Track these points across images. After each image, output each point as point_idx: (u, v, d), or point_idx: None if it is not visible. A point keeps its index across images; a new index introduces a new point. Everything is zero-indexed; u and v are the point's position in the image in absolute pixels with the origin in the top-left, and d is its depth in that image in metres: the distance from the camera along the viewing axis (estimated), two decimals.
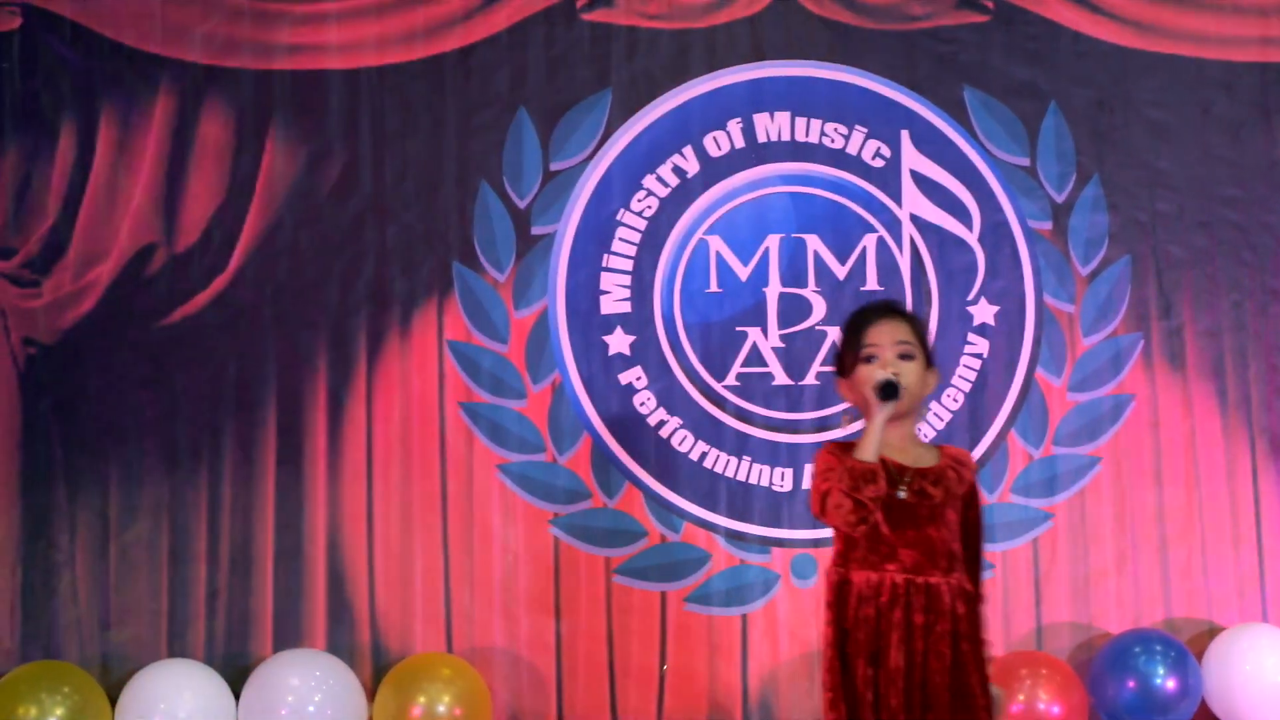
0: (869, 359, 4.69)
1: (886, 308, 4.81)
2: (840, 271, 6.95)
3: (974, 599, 4.71)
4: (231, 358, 6.85)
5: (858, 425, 4.72)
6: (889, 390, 4.56)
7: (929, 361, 4.77)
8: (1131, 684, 6.60)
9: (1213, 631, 6.83)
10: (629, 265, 6.94)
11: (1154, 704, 6.58)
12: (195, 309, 6.86)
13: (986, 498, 6.77)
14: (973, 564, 4.78)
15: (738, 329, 6.93)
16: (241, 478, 6.80)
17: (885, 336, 4.71)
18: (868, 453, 4.56)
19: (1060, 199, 7.01)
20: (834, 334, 6.88)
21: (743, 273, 6.95)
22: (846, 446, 4.68)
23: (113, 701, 6.55)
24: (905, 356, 4.70)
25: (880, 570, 4.65)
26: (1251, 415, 6.96)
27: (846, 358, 4.75)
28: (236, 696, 6.59)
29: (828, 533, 6.67)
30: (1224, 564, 6.90)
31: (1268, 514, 6.92)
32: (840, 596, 4.68)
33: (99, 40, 6.88)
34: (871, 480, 4.55)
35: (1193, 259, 7.02)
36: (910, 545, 4.65)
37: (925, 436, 6.77)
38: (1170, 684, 6.59)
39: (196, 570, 6.76)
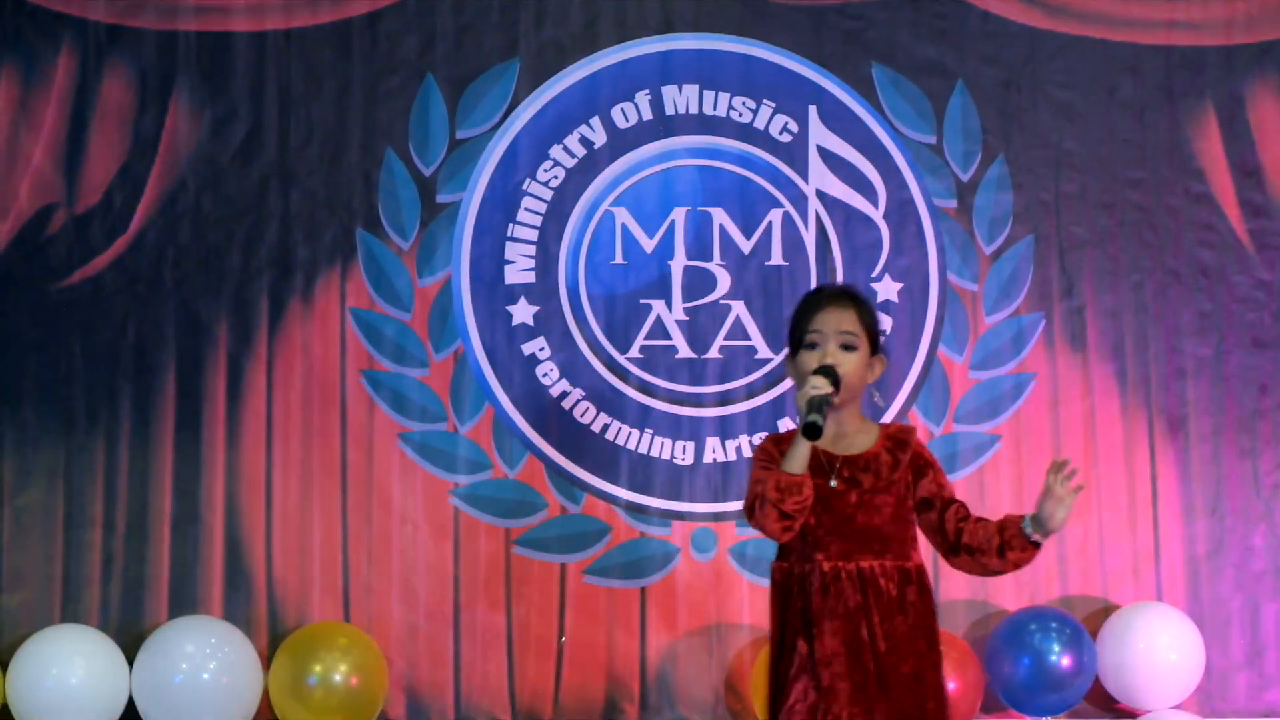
0: (811, 345, 4.69)
1: (838, 294, 4.78)
2: (745, 246, 6.95)
3: (912, 577, 4.69)
4: (130, 321, 6.79)
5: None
6: (812, 431, 4.51)
7: (875, 349, 4.77)
8: (1027, 661, 6.63)
9: (1108, 609, 6.88)
10: (534, 235, 6.92)
11: (1049, 681, 6.62)
12: (94, 271, 6.79)
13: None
14: (955, 508, 4.72)
15: (642, 301, 6.92)
16: (138, 443, 6.74)
17: (830, 324, 4.70)
18: (794, 465, 4.56)
19: (966, 178, 7.03)
20: (738, 308, 6.90)
21: (648, 245, 6.94)
22: (780, 439, 4.72)
23: (4, 667, 6.49)
24: (847, 347, 4.69)
25: (812, 560, 4.66)
26: (1150, 396, 7.00)
27: (792, 337, 4.76)
28: (131, 663, 6.54)
29: (728, 506, 6.78)
30: (1120, 543, 6.95)
31: (1164, 494, 6.97)
32: (782, 589, 4.71)
33: None
34: (795, 492, 4.55)
35: (1096, 239, 7.06)
36: (840, 533, 4.66)
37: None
38: (1065, 661, 6.63)
39: (92, 535, 6.70)
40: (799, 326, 4.73)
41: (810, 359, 4.66)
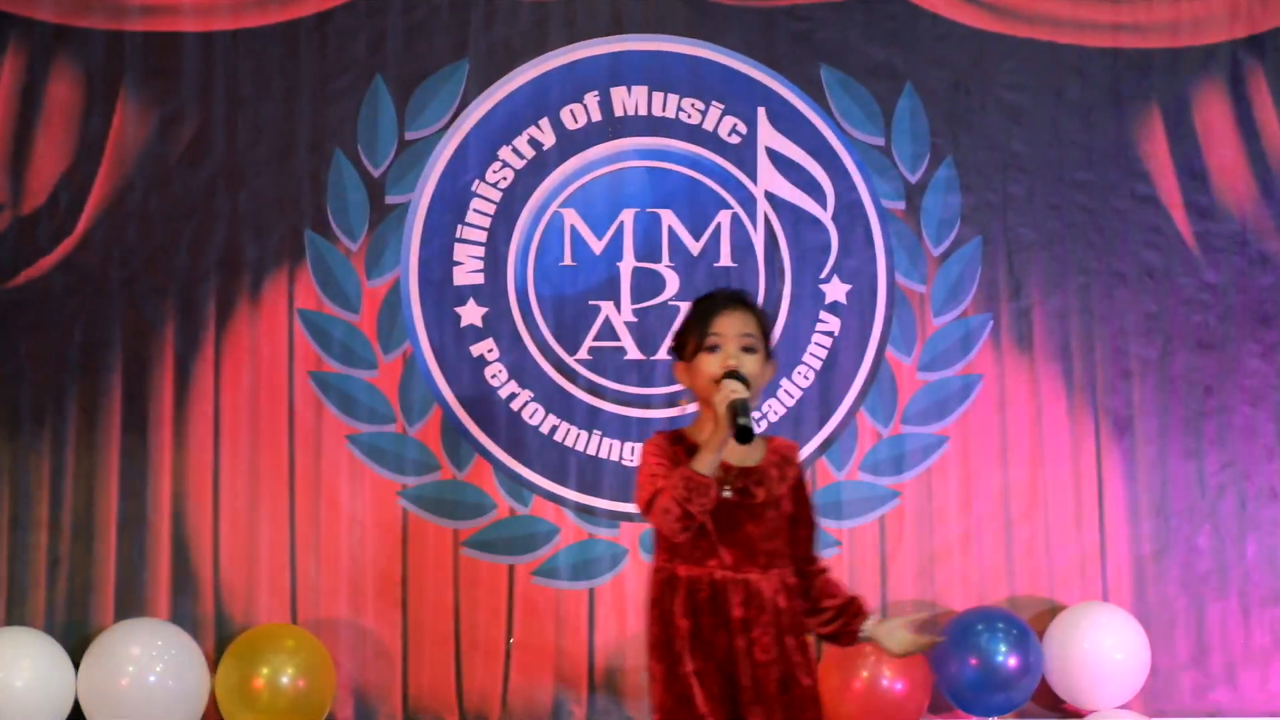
0: (712, 348, 4.70)
1: (734, 298, 4.81)
2: (694, 247, 6.96)
3: (795, 592, 4.73)
4: (77, 322, 6.76)
5: (694, 407, 4.73)
6: (745, 435, 4.52)
7: (768, 354, 4.79)
8: (974, 661, 6.65)
9: (1054, 610, 6.91)
10: (483, 237, 6.91)
11: (995, 681, 6.64)
12: (40, 272, 6.76)
13: (835, 476, 6.86)
14: (806, 548, 4.81)
15: (591, 303, 6.92)
16: (85, 444, 6.71)
17: (731, 327, 4.71)
18: (705, 466, 4.57)
19: (914, 179, 7.05)
20: (687, 310, 6.87)
21: (597, 246, 6.94)
22: (675, 437, 4.73)
23: None
24: (747, 349, 4.71)
25: (703, 566, 4.67)
26: (1096, 397, 7.03)
27: (690, 342, 4.75)
28: (77, 666, 6.51)
29: None
30: (1066, 543, 6.98)
31: (1110, 495, 7.00)
32: (667, 591, 4.71)
33: None
34: (704, 494, 4.56)
35: (1043, 241, 7.09)
36: (731, 543, 4.67)
37: (776, 414, 6.85)
38: (1012, 661, 6.65)
39: (37, 537, 6.67)
40: (697, 330, 4.73)
41: (712, 362, 4.67)
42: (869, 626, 4.79)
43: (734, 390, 4.55)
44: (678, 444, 4.70)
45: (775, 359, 4.84)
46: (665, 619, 4.68)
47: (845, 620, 4.80)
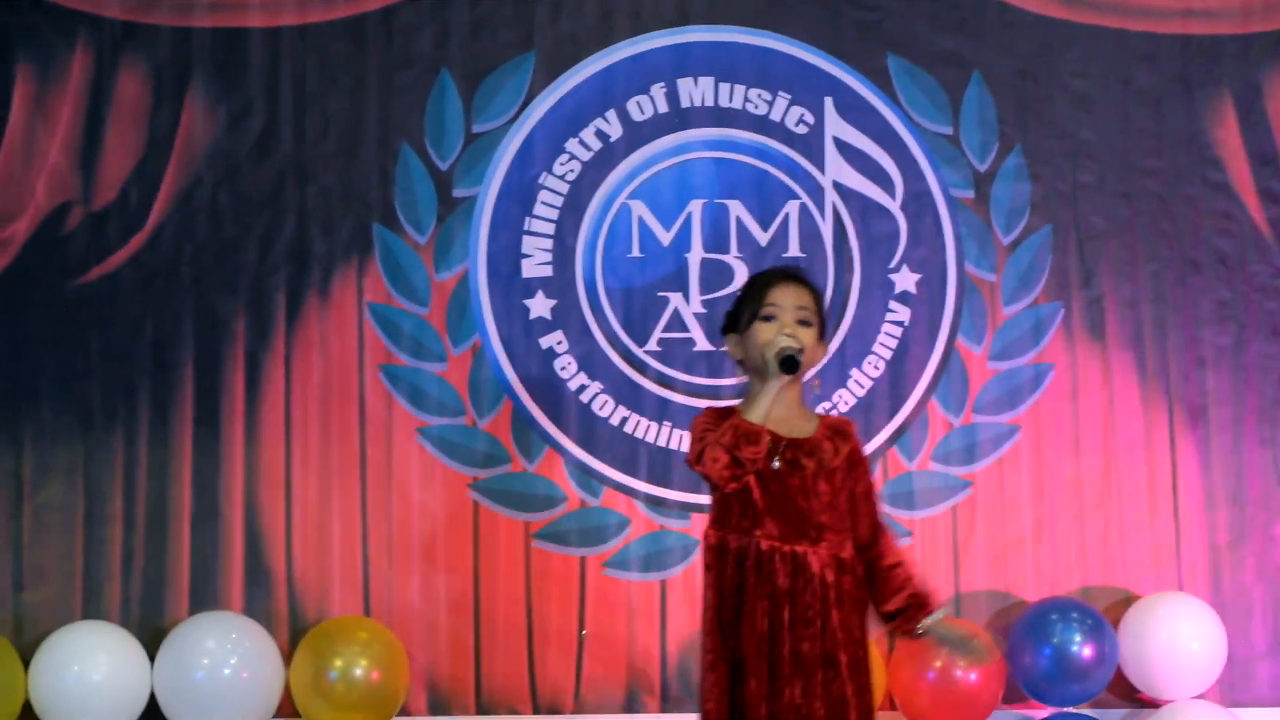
0: (768, 318, 4.75)
1: (792, 273, 4.90)
2: (763, 238, 6.95)
3: (847, 567, 4.74)
4: (148, 317, 6.79)
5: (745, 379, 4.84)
6: (790, 364, 4.62)
7: (822, 334, 4.81)
8: (1048, 652, 6.62)
9: (1128, 600, 6.87)
10: (551, 229, 6.91)
11: (1070, 672, 6.61)
12: (112, 268, 6.79)
13: (907, 466, 6.84)
14: (870, 528, 4.84)
15: (659, 294, 6.91)
16: (157, 439, 6.74)
17: (788, 299, 4.79)
18: (756, 415, 4.64)
19: (983, 168, 7.02)
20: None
21: (665, 238, 6.93)
22: (725, 411, 4.80)
23: (26, 663, 6.49)
24: (803, 323, 4.78)
25: (749, 536, 4.71)
26: (1170, 385, 6.99)
27: (744, 313, 4.83)
28: (152, 659, 6.55)
29: None
30: (1140, 533, 6.94)
31: (1184, 484, 6.96)
32: (718, 559, 4.75)
33: None
34: (754, 441, 4.62)
35: (1113, 229, 7.05)
36: (778, 514, 4.71)
37: (847, 404, 6.84)
38: (1086, 652, 6.62)
39: (112, 532, 6.70)
40: (753, 301, 4.79)
41: (767, 330, 4.71)
42: (927, 622, 4.81)
43: (788, 340, 4.61)
44: (728, 415, 4.76)
45: (827, 342, 4.93)
46: (718, 587, 4.73)
47: (905, 619, 4.83)
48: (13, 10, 6.80)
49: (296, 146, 6.88)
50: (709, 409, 4.87)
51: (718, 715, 4.71)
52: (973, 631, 4.89)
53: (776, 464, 4.74)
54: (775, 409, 4.75)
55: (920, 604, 4.85)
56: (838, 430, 4.86)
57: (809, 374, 4.89)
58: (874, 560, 4.87)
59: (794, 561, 4.70)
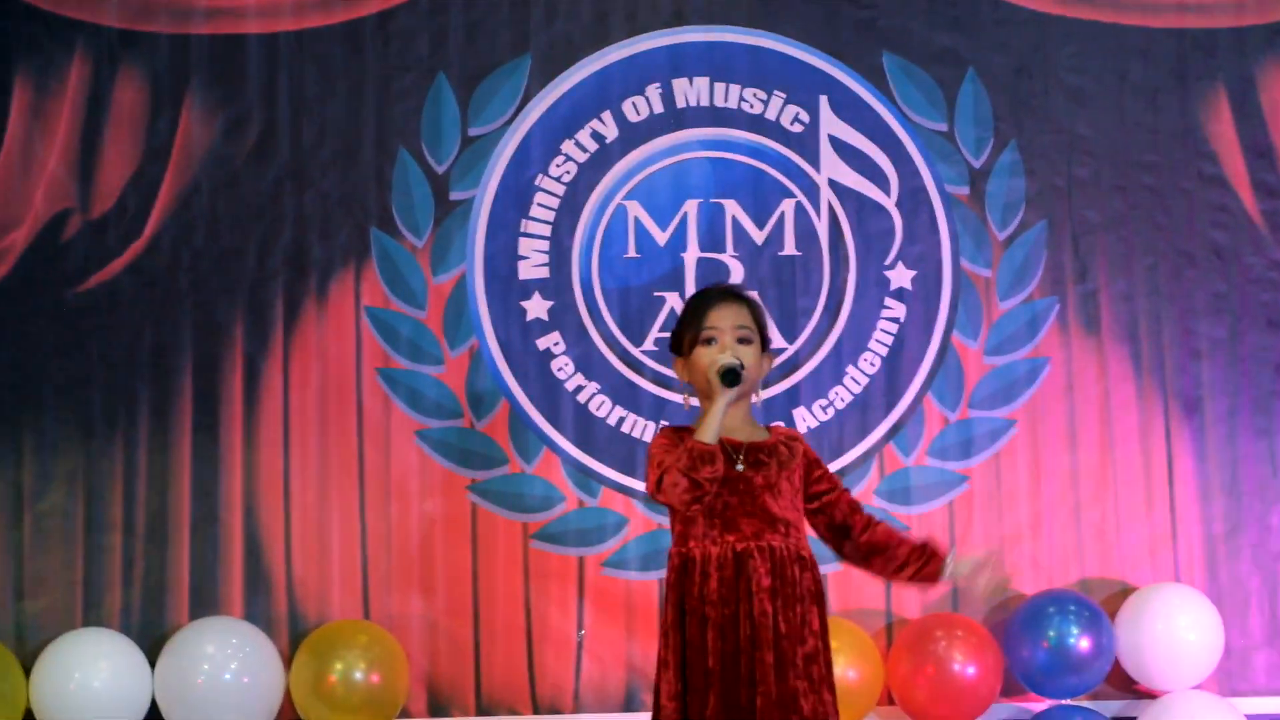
0: (708, 341, 4.86)
1: (727, 292, 5.04)
2: (758, 237, 6.96)
3: (809, 564, 4.82)
4: (147, 324, 6.82)
5: (694, 401, 4.95)
6: (731, 376, 4.71)
7: (764, 346, 4.94)
8: (1046, 645, 6.63)
9: (1126, 592, 6.87)
10: (547, 231, 6.94)
11: (1068, 664, 6.62)
12: (110, 275, 6.82)
13: (903, 461, 6.87)
14: (850, 506, 4.95)
15: (656, 294, 6.93)
16: (157, 445, 6.77)
17: (725, 320, 4.91)
18: (708, 435, 4.73)
19: (978, 164, 7.03)
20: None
21: (661, 238, 6.95)
22: (682, 430, 4.89)
23: (27, 671, 6.52)
24: (743, 341, 4.90)
25: (720, 544, 4.76)
26: (1165, 378, 6.99)
27: (686, 338, 4.93)
28: (153, 665, 6.57)
29: None
30: (1137, 525, 6.94)
31: (1180, 476, 6.96)
32: (682, 576, 4.80)
33: (12, 3, 6.83)
34: (710, 461, 4.70)
35: (1108, 223, 7.05)
36: (750, 514, 4.80)
37: (843, 401, 6.85)
38: (1084, 644, 6.62)
39: (112, 539, 6.73)
40: (692, 324, 4.91)
41: (709, 353, 4.81)
42: (950, 563, 4.88)
43: (727, 360, 4.70)
44: (682, 434, 4.86)
45: (771, 352, 5.05)
46: (679, 606, 4.78)
47: (924, 560, 4.91)
48: (10, 19, 6.83)
49: (294, 152, 6.91)
50: (663, 430, 4.94)
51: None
52: (986, 554, 4.95)
53: (741, 467, 4.82)
54: (730, 422, 4.85)
55: (934, 550, 4.97)
56: (790, 435, 5.01)
57: (754, 386, 4.97)
58: (868, 532, 4.96)
59: (771, 557, 4.77)
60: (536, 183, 6.94)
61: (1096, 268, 7.02)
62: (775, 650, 4.72)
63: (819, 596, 4.85)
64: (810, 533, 5.00)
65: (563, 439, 6.86)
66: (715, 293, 4.96)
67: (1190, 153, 7.09)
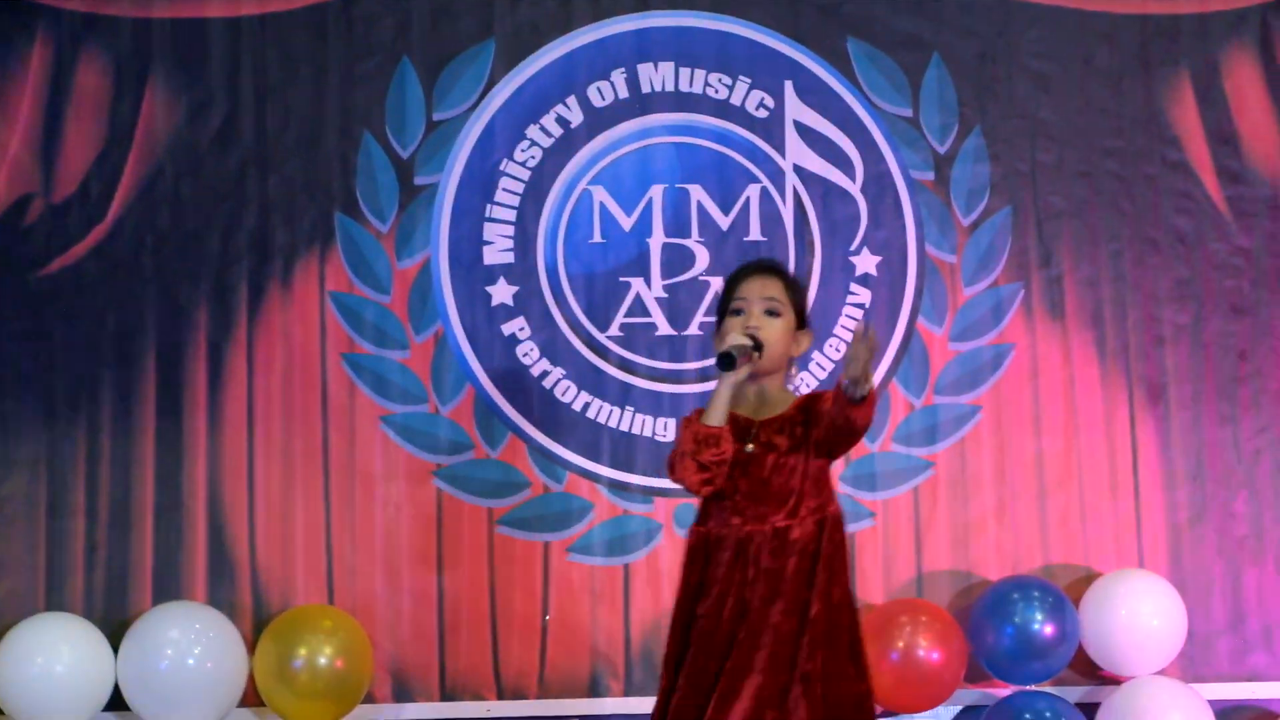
0: (736, 311, 4.84)
1: (763, 265, 4.99)
2: (724, 222, 6.96)
3: (826, 524, 4.75)
4: (110, 309, 6.80)
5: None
6: (726, 361, 4.68)
7: (801, 323, 4.86)
8: (1010, 630, 6.64)
9: (1090, 577, 6.89)
10: (512, 216, 6.92)
11: (1032, 650, 6.63)
12: (73, 260, 6.80)
13: (869, 448, 6.86)
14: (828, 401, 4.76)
15: (621, 279, 6.93)
16: (120, 430, 6.75)
17: (754, 291, 4.89)
18: (712, 418, 4.71)
19: (943, 150, 7.03)
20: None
21: (626, 223, 6.95)
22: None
23: None
24: (771, 313, 4.83)
25: (727, 524, 4.76)
26: (1129, 364, 7.00)
27: (721, 308, 4.88)
28: (116, 650, 6.55)
29: None
30: (1101, 511, 6.95)
31: (1144, 462, 6.97)
32: (695, 553, 4.80)
33: None
34: (713, 445, 4.69)
35: (1073, 209, 7.06)
36: (755, 496, 4.76)
37: (809, 388, 6.85)
38: (1048, 630, 6.64)
39: (75, 524, 6.71)
40: (724, 299, 4.88)
41: (734, 324, 4.79)
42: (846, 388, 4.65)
43: (735, 338, 4.67)
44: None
45: (810, 329, 4.99)
46: (687, 580, 4.81)
47: (838, 390, 4.67)
48: None
49: (258, 137, 6.89)
50: (693, 411, 4.89)
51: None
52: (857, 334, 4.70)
53: (750, 448, 4.80)
54: (750, 397, 4.84)
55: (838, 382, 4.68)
56: (814, 399, 4.85)
57: (782, 363, 4.91)
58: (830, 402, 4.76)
59: (775, 538, 4.75)
60: (501, 168, 6.93)
61: (1061, 253, 7.03)
62: (748, 627, 4.73)
63: (839, 554, 4.78)
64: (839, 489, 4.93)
65: (528, 424, 6.85)
66: (751, 265, 4.97)
67: (1154, 138, 7.10)
